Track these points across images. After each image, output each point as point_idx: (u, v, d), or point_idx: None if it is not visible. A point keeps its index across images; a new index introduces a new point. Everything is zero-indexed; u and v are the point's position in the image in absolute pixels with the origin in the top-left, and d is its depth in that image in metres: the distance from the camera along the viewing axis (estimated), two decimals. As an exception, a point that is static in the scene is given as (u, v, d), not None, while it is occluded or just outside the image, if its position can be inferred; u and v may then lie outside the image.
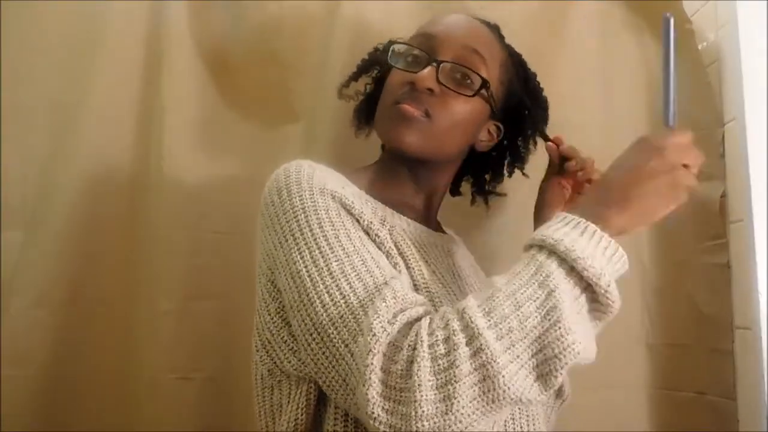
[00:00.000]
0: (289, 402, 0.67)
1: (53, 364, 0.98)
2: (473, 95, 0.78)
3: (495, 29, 0.87)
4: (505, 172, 0.96)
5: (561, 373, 0.55)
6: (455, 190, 0.98)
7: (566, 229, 0.60)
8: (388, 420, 0.53)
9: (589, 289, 0.58)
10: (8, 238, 1.00)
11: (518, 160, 0.94)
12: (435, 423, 0.52)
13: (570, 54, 1.13)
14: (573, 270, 0.57)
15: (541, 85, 0.93)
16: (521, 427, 0.72)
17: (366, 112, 0.94)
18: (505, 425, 0.71)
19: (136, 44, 1.07)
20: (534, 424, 0.74)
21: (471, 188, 0.99)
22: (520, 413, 0.73)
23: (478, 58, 0.79)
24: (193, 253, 1.04)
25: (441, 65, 0.77)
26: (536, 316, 0.55)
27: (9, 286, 0.98)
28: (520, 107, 0.88)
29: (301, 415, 0.65)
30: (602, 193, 0.65)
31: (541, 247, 0.59)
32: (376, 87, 0.91)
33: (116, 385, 1.01)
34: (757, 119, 1.00)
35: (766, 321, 0.94)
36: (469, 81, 0.79)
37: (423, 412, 0.52)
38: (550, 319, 0.55)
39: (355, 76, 0.93)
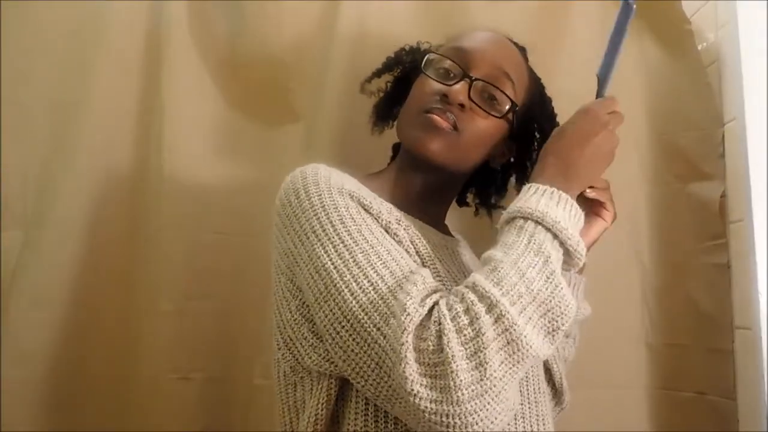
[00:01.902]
0: (311, 397, 0.68)
1: (53, 364, 0.98)
2: (501, 117, 0.81)
3: (523, 51, 0.89)
4: (510, 187, 0.96)
5: (565, 328, 0.61)
6: (462, 200, 0.99)
7: (545, 200, 0.66)
8: (429, 395, 0.55)
9: (566, 252, 0.66)
10: (8, 238, 1.00)
11: (524, 178, 0.94)
12: (474, 390, 0.55)
13: (570, 54, 1.13)
14: (556, 238, 0.64)
15: (556, 111, 0.93)
16: (531, 427, 0.73)
17: (385, 110, 0.95)
18: (516, 425, 0.71)
19: (136, 44, 1.07)
20: (543, 424, 0.75)
21: (475, 200, 1.00)
22: (530, 412, 0.74)
23: (508, 81, 0.82)
24: (194, 253, 1.04)
25: (474, 82, 0.79)
26: (539, 281, 0.60)
27: (9, 286, 0.98)
28: (535, 130, 0.90)
29: (321, 410, 0.66)
30: (558, 162, 0.72)
31: (527, 218, 0.65)
32: (398, 87, 0.92)
33: (116, 385, 1.01)
34: (757, 119, 1.00)
35: (766, 321, 0.94)
36: (496, 101, 0.81)
37: (461, 381, 0.55)
38: (551, 283, 0.61)
39: (378, 73, 0.94)
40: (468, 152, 0.81)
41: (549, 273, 0.61)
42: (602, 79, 0.79)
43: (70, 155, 1.02)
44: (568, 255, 0.65)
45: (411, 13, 1.08)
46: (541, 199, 0.66)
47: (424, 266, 0.70)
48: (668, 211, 1.12)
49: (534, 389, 0.76)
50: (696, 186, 1.09)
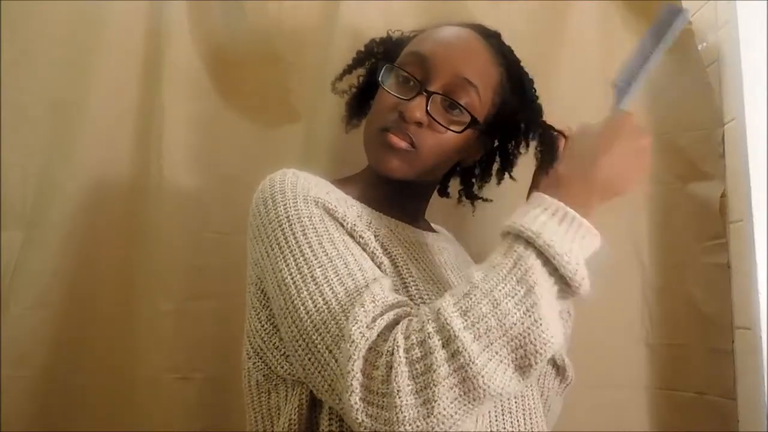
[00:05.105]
0: (286, 404, 0.68)
1: (53, 365, 0.98)
2: (461, 131, 0.77)
3: (493, 40, 0.84)
4: (493, 175, 0.93)
5: (539, 366, 0.55)
6: (443, 191, 0.98)
7: (544, 218, 0.60)
8: (372, 425, 0.54)
9: (563, 280, 0.58)
10: (8, 238, 1.00)
11: (507, 165, 0.92)
12: (418, 426, 0.53)
13: (570, 54, 1.13)
14: (549, 263, 0.58)
15: (537, 92, 0.89)
16: (518, 422, 0.73)
17: (358, 106, 0.93)
18: (503, 420, 0.71)
19: (136, 44, 1.07)
20: (531, 419, 0.74)
21: (459, 186, 0.98)
22: (516, 407, 0.73)
23: (471, 89, 0.77)
24: (193, 253, 1.04)
25: (431, 97, 0.75)
26: (515, 314, 0.55)
27: (9, 286, 0.98)
28: (513, 118, 0.86)
29: (295, 416, 0.66)
30: (572, 172, 0.66)
31: (518, 236, 0.59)
32: (371, 79, 0.90)
33: (116, 385, 1.01)
34: (757, 119, 1.00)
35: (766, 321, 0.94)
36: (458, 109, 0.77)
37: (405, 416, 0.53)
38: (530, 317, 0.55)
39: (350, 69, 0.93)
40: (430, 165, 0.78)
41: (530, 305, 0.55)
42: (622, 89, 0.71)
43: (70, 155, 1.02)
44: (564, 283, 0.58)
45: (411, 13, 1.08)
46: (542, 215, 0.60)
47: (396, 267, 0.70)
48: (668, 211, 1.12)
49: None
50: (696, 186, 1.09)
